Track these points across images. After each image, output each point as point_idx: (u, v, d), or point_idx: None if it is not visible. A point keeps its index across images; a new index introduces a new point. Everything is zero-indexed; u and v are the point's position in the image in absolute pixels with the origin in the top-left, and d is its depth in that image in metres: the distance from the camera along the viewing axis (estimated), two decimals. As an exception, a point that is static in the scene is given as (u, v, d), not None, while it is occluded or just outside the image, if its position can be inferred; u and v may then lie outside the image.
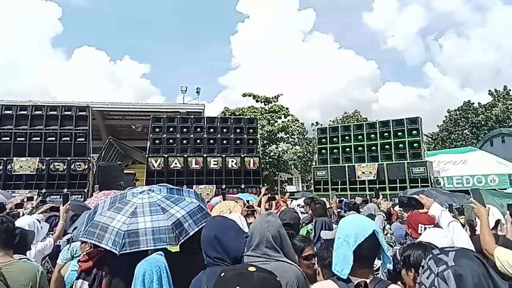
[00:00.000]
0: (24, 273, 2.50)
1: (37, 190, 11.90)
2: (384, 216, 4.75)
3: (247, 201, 6.92)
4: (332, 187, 14.31)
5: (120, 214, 2.60)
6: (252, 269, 1.23)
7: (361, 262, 1.79)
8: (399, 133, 13.73)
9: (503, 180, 12.12)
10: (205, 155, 14.10)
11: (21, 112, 12.81)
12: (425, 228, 3.31)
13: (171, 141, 14.24)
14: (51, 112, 13.00)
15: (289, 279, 2.31)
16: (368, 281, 1.72)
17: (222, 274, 1.24)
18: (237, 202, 5.46)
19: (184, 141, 14.31)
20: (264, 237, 2.43)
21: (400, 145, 13.60)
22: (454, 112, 38.06)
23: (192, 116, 15.58)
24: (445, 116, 39.00)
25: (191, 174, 13.76)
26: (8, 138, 12.46)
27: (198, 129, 14.57)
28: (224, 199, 7.33)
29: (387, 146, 13.89)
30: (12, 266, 2.51)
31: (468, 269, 1.32)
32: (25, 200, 7.26)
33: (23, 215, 5.07)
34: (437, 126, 39.73)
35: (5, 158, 12.18)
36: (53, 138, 12.72)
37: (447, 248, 1.47)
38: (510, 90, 35.94)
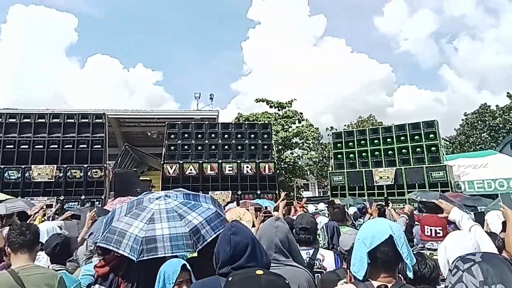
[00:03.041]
0: (43, 279, 2.50)
1: (55, 197, 12.09)
2: (407, 219, 4.70)
3: (265, 207, 6.91)
4: (350, 192, 14.16)
5: (137, 220, 2.61)
6: (259, 272, 1.22)
7: (380, 266, 1.79)
8: (415, 137, 13.53)
9: (525, 184, 11.81)
10: (220, 161, 14.13)
11: (39, 120, 13.07)
12: (430, 230, 3.32)
13: (186, 147, 14.32)
14: (68, 120, 13.24)
15: (300, 283, 2.34)
16: (389, 285, 1.72)
17: (230, 278, 1.23)
18: (248, 209, 5.48)
19: (199, 147, 14.38)
20: (272, 242, 2.45)
21: (418, 149, 13.38)
22: (471, 116, 37.51)
23: (206, 122, 15.66)
24: (462, 120, 38.47)
25: (206, 180, 13.78)
26: (26, 146, 12.71)
27: (213, 135, 14.63)
28: (238, 205, 7.35)
29: (404, 150, 13.70)
30: (30, 271, 2.51)
31: (495, 264, 1.37)
32: (45, 207, 7.36)
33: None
34: (454, 129, 39.20)
35: (23, 166, 12.41)
36: (70, 146, 12.93)
37: (473, 252, 1.55)
38: (529, 91, 35.12)
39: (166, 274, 2.34)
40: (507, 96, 36.00)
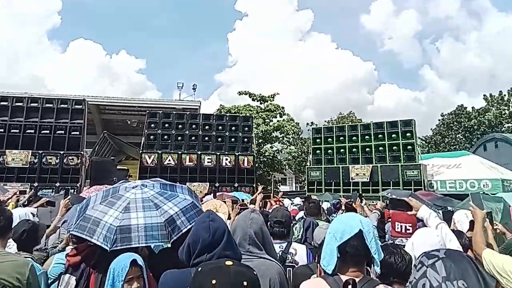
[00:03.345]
0: (14, 266, 2.44)
1: (29, 183, 11.84)
2: (379, 215, 4.81)
3: (242, 200, 6.96)
4: (326, 187, 14.35)
5: (112, 209, 2.57)
6: (229, 263, 1.23)
7: (349, 260, 1.83)
8: (393, 135, 13.77)
9: (496, 185, 12.19)
10: (199, 152, 14.09)
11: (17, 104, 12.72)
12: (401, 226, 3.42)
13: (165, 137, 14.21)
14: (47, 105, 12.92)
15: (271, 276, 2.36)
16: (357, 279, 1.74)
17: (199, 269, 1.24)
18: (225, 201, 5.52)
19: (179, 138, 14.29)
20: (247, 234, 2.46)
21: (394, 147, 13.64)
22: (447, 116, 38.31)
23: (188, 113, 15.58)
24: (439, 120, 39.27)
25: (184, 171, 13.73)
26: (2, 130, 12.36)
27: (194, 126, 14.56)
28: (214, 197, 7.38)
29: (381, 148, 13.94)
30: (1, 258, 2.45)
31: (458, 261, 1.41)
32: (18, 193, 7.22)
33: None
34: (431, 129, 40.00)
35: (-3, 151, 12.07)
36: (47, 131, 12.63)
37: (437, 249, 1.57)
38: (504, 95, 36.18)
39: (116, 271, 2.27)
40: (483, 98, 36.97)
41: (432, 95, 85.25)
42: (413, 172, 12.74)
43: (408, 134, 13.56)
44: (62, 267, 2.74)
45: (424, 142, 37.94)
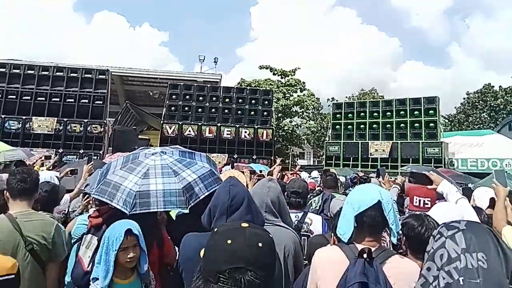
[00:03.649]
0: (40, 225, 2.55)
1: (54, 149, 12.19)
2: (399, 189, 4.75)
3: (260, 171, 7.01)
4: (344, 162, 14.28)
5: (132, 174, 2.62)
6: (244, 225, 1.22)
7: (366, 230, 1.84)
8: (415, 112, 13.52)
9: (519, 165, 11.92)
10: (219, 124, 14.18)
11: (43, 73, 13.04)
12: (419, 200, 3.38)
13: (186, 108, 14.33)
14: (71, 74, 13.21)
15: (286, 243, 2.40)
16: (373, 249, 1.75)
17: (215, 229, 1.25)
18: (243, 171, 5.57)
19: (199, 109, 14.39)
20: (263, 202, 2.50)
21: (416, 124, 13.41)
22: (473, 95, 37.09)
23: (208, 85, 15.57)
24: (464, 98, 38.09)
25: (204, 142, 13.88)
26: (29, 98, 12.71)
27: (214, 98, 14.60)
28: (232, 168, 7.45)
29: (402, 125, 13.73)
30: (28, 216, 2.56)
31: (479, 232, 1.37)
32: (43, 158, 7.43)
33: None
34: (455, 108, 38.91)
35: (24, 117, 12.45)
36: (72, 100, 12.94)
37: (458, 220, 1.52)
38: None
39: (110, 240, 2.24)
40: (511, 77, 35.53)
41: (459, 74, 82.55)
42: (434, 149, 12.53)
43: (431, 112, 13.28)
44: (85, 228, 2.84)
45: (447, 120, 37.02)
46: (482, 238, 1.35)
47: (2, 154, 6.31)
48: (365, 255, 1.68)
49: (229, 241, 1.14)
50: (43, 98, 12.76)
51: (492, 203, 3.88)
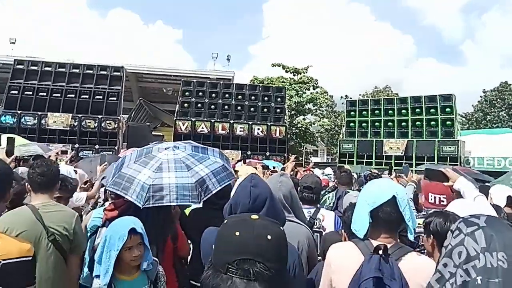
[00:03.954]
0: (61, 216, 2.59)
1: (70, 145, 12.41)
2: (415, 187, 4.65)
3: (273, 167, 7.02)
4: (358, 160, 14.19)
5: (146, 168, 2.64)
6: (254, 217, 1.21)
7: (381, 226, 1.80)
8: (431, 110, 13.34)
9: (537, 164, 11.67)
10: (232, 121, 14.20)
11: (60, 70, 13.29)
12: (434, 198, 3.31)
13: (199, 105, 14.40)
14: (87, 71, 13.45)
15: (300, 239, 2.37)
16: (389, 245, 1.71)
17: (225, 221, 1.25)
18: (256, 167, 5.56)
19: (212, 106, 14.44)
20: (275, 197, 2.47)
21: (432, 122, 13.24)
22: (490, 93, 36.35)
23: (221, 82, 15.61)
24: (481, 96, 37.37)
25: (217, 139, 13.91)
26: (44, 94, 12.95)
27: (227, 95, 14.63)
28: (244, 163, 7.46)
29: (418, 123, 13.56)
30: (50, 208, 2.59)
31: (499, 230, 1.31)
32: (60, 153, 7.53)
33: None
34: (472, 106, 38.21)
35: (39, 113, 12.66)
36: (87, 96, 13.14)
37: (477, 214, 1.43)
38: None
39: (112, 240, 2.19)
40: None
41: (474, 71, 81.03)
42: (450, 148, 12.35)
43: (447, 109, 13.08)
44: (100, 221, 2.87)
45: (464, 119, 36.41)
46: (503, 236, 1.29)
47: (19, 148, 6.41)
48: (380, 251, 1.65)
49: (237, 233, 1.14)
50: (59, 94, 13.00)
51: (510, 201, 3.79)
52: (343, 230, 2.55)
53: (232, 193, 2.78)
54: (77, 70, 13.37)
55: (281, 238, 1.17)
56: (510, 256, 1.24)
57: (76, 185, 3.29)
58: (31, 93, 12.91)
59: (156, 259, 2.39)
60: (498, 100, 35.14)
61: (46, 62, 13.67)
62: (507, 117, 34.15)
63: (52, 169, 2.72)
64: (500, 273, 1.23)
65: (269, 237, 1.12)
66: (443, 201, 3.33)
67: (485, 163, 12.75)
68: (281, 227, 1.23)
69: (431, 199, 3.39)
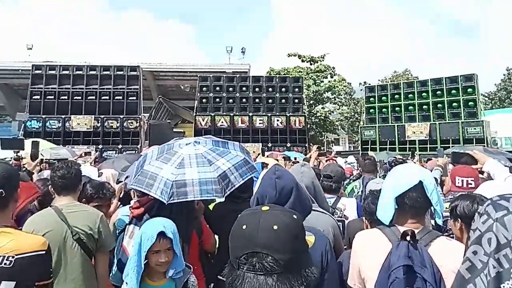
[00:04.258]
0: (85, 216, 2.64)
1: (94, 146, 12.68)
2: (441, 171, 4.55)
3: (295, 158, 6.99)
4: (380, 146, 14.00)
5: (168, 164, 2.65)
6: (265, 208, 1.20)
7: (408, 212, 1.76)
8: (453, 91, 13.02)
9: None
10: (250, 114, 14.22)
11: (77, 72, 13.56)
12: (462, 181, 3.22)
13: (217, 100, 14.46)
14: (104, 72, 13.68)
15: (325, 228, 2.34)
16: (416, 231, 1.68)
17: (239, 215, 1.24)
18: (277, 159, 5.54)
19: (230, 100, 14.48)
20: (301, 186, 2.45)
21: (454, 104, 12.93)
22: (513, 70, 35.20)
23: (237, 76, 15.60)
24: (504, 75, 36.19)
25: (237, 132, 13.98)
26: (66, 97, 13.26)
27: (244, 89, 14.64)
28: (263, 155, 7.45)
29: (439, 105, 13.26)
30: (73, 208, 2.65)
31: None
32: (83, 154, 7.70)
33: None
34: (495, 85, 37.07)
35: (63, 116, 12.98)
36: (107, 97, 13.39)
37: (507, 195, 1.33)
38: None
39: (144, 238, 2.11)
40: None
41: (494, 49, 78.38)
42: (475, 129, 12.05)
43: (469, 90, 12.74)
44: (127, 219, 2.92)
45: (487, 98, 35.39)
46: None
47: (48, 150, 6.60)
48: (408, 237, 1.61)
49: (244, 227, 1.14)
50: (80, 97, 13.29)
51: None
52: (364, 218, 2.52)
53: (256, 186, 2.78)
54: (94, 72, 13.62)
55: (291, 228, 1.14)
56: None
57: (114, 191, 3.29)
58: (52, 97, 13.26)
59: (190, 266, 2.32)
60: (522, 77, 34.02)
61: (63, 66, 14.01)
62: (532, 93, 33.05)
63: (73, 171, 2.77)
64: None
65: (275, 227, 1.10)
66: (470, 184, 3.24)
67: (512, 142, 12.42)
68: (296, 216, 1.20)
69: (459, 183, 3.29)
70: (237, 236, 1.15)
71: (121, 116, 13.19)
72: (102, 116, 13.13)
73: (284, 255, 1.07)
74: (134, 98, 13.54)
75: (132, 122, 13.23)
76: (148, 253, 2.07)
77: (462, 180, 3.27)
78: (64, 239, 2.50)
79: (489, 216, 1.28)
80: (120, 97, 13.45)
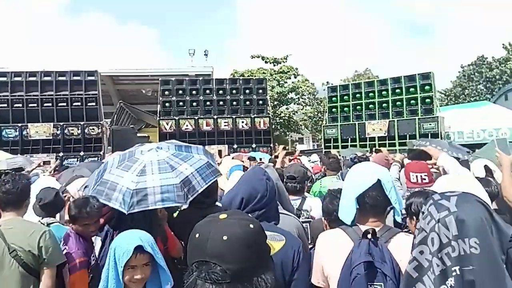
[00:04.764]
0: (24, 232, 2.52)
1: (55, 154, 12.22)
2: (399, 167, 4.67)
3: (260, 159, 7.04)
4: (342, 144, 14.27)
5: (128, 172, 2.59)
6: (222, 216, 1.19)
7: (368, 210, 1.81)
8: (411, 89, 13.45)
9: (515, 133, 11.94)
10: (215, 116, 14.17)
11: (31, 79, 12.94)
12: (416, 176, 3.33)
13: (181, 103, 14.30)
14: (60, 78, 13.11)
15: (289, 229, 2.35)
16: (377, 229, 1.74)
17: (199, 222, 1.24)
18: (243, 161, 5.55)
19: (194, 103, 14.36)
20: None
21: (412, 101, 13.36)
22: (467, 67, 37.04)
23: (200, 78, 15.48)
24: (459, 72, 38.03)
25: (202, 135, 13.91)
26: (20, 105, 12.67)
27: (208, 91, 14.55)
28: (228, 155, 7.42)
29: (398, 103, 13.68)
30: (12, 224, 2.54)
31: (470, 214, 1.27)
32: (42, 164, 7.42)
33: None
34: (451, 82, 38.86)
35: (20, 124, 12.42)
36: (64, 104, 12.89)
37: (448, 193, 1.40)
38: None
39: (117, 253, 1.92)
40: (503, 47, 35.51)
41: (450, 47, 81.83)
42: (430, 124, 12.52)
43: (426, 87, 13.21)
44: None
45: (443, 95, 37.02)
46: (474, 219, 1.26)
47: (5, 161, 6.33)
48: (369, 235, 1.67)
49: (197, 235, 1.15)
50: (35, 104, 12.72)
51: (487, 170, 3.83)
52: (323, 218, 2.55)
53: (228, 185, 2.74)
54: (49, 78, 13.02)
55: (243, 237, 1.12)
56: (483, 241, 1.23)
57: (100, 207, 2.86)
58: (5, 105, 12.63)
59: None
60: (476, 74, 35.78)
61: (15, 72, 13.24)
62: (484, 90, 34.83)
63: (19, 186, 2.64)
64: (473, 259, 1.22)
65: (225, 237, 1.10)
66: (424, 179, 3.34)
67: (465, 136, 13.00)
68: (253, 225, 1.18)
69: (413, 179, 3.39)
70: (190, 244, 1.16)
71: (82, 123, 12.75)
72: (62, 123, 12.63)
73: (233, 265, 1.07)
74: (94, 104, 13.12)
75: (93, 128, 12.83)
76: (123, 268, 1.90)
77: (416, 176, 3.37)
78: (2, 256, 2.41)
79: (432, 217, 1.34)
80: (79, 103, 12.97)
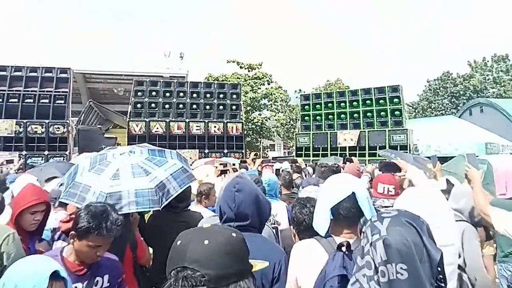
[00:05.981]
0: None
1: (17, 152, 11.70)
2: (369, 177, 4.73)
3: (233, 164, 7.04)
4: (314, 152, 14.47)
5: (101, 175, 2.55)
6: (206, 226, 1.20)
7: (343, 222, 1.83)
8: (380, 101, 13.80)
9: (480, 148, 12.46)
10: (187, 120, 13.98)
11: (0, 73, 12.37)
12: (383, 188, 3.43)
13: (153, 105, 14.03)
14: (31, 74, 12.59)
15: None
16: (351, 241, 1.74)
17: (184, 231, 1.24)
18: (216, 166, 5.57)
19: (167, 106, 14.13)
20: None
21: (382, 113, 13.71)
22: (433, 82, 38.64)
23: (175, 81, 15.32)
24: (425, 86, 39.60)
25: (173, 139, 13.65)
26: (-18, 100, 12.08)
27: (181, 94, 14.36)
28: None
29: (369, 114, 13.99)
30: None
31: (397, 239, 1.26)
32: (5, 163, 7.13)
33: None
34: (417, 95, 40.32)
35: (-21, 120, 11.84)
36: (31, 100, 12.37)
37: (384, 214, 1.39)
38: (488, 61, 36.63)
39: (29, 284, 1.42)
40: (467, 64, 37.21)
41: (416, 63, 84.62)
42: (400, 136, 12.88)
43: (395, 100, 13.59)
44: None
45: (411, 107, 38.34)
46: (402, 244, 1.25)
47: None
48: (343, 248, 1.67)
49: (179, 242, 1.14)
50: (0, 99, 12.17)
51: (448, 183, 3.95)
52: (291, 227, 2.57)
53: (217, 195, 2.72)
54: (19, 73, 12.49)
55: (224, 244, 1.12)
56: (410, 266, 1.23)
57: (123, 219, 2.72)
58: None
59: None
60: (441, 88, 37.29)
61: (-16, 66, 12.72)
62: (450, 104, 36.27)
63: None
64: (402, 285, 1.22)
65: (206, 242, 1.10)
66: (391, 191, 3.44)
67: (432, 149, 13.44)
68: (235, 234, 1.18)
69: (380, 189, 3.49)
70: (172, 251, 1.15)
71: (47, 121, 12.25)
72: (25, 121, 12.10)
73: (213, 271, 1.06)
74: (62, 101, 12.66)
75: (59, 128, 12.36)
76: None
77: (384, 187, 3.47)
78: None
79: (368, 239, 1.34)
80: (47, 101, 12.50)
